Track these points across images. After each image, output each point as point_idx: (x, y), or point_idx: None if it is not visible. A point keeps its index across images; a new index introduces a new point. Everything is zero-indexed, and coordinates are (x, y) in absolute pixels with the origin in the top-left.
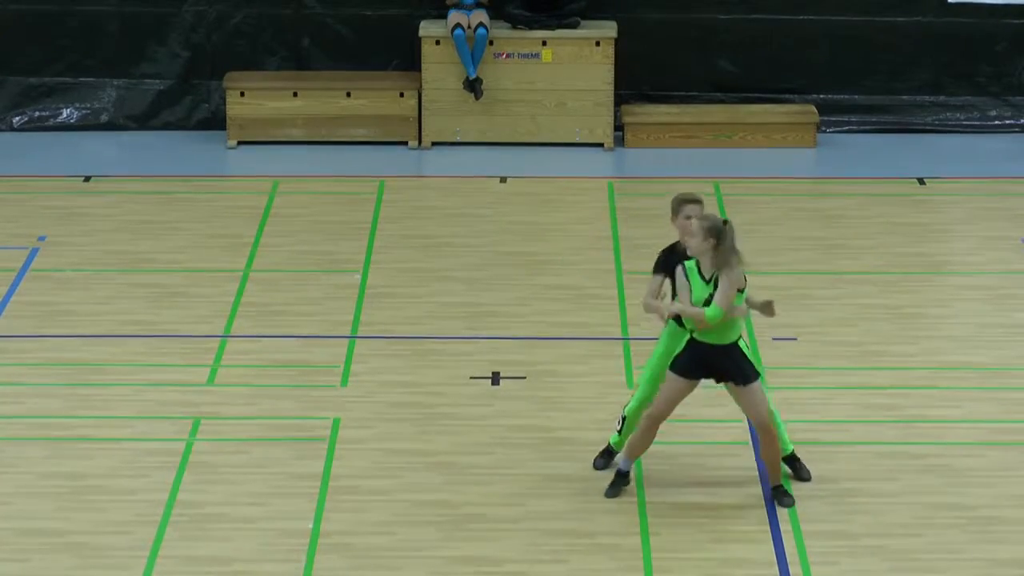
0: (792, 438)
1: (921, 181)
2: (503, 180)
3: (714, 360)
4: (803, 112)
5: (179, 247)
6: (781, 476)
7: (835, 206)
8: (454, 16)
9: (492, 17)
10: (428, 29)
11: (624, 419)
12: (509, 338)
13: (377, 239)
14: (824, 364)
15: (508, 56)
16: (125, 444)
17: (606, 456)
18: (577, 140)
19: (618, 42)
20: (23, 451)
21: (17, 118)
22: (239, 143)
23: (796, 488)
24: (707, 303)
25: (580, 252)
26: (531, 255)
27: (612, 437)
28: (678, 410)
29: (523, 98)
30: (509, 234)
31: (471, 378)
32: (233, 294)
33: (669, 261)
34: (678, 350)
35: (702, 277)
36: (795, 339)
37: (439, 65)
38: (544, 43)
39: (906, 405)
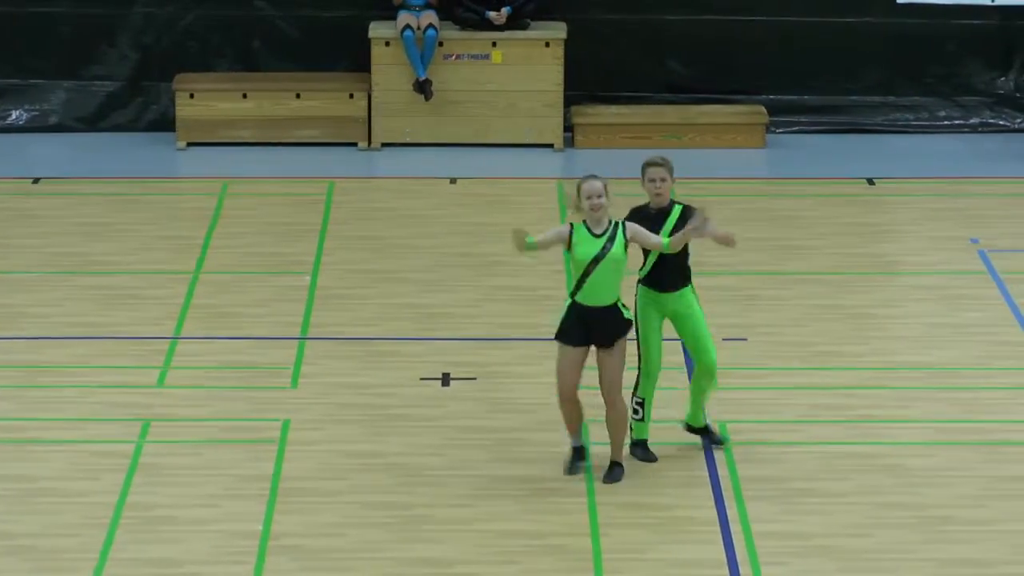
0: (742, 438)
1: (870, 181)
2: (453, 181)
3: (595, 322)
4: (753, 113)
5: (129, 249)
6: (622, 453)
7: (785, 207)
8: (403, 17)
9: (442, 18)
10: (378, 30)
11: (643, 402)
12: (460, 339)
13: (327, 240)
14: (775, 364)
15: (458, 57)
16: (75, 446)
17: (642, 448)
18: (527, 141)
19: (568, 43)
20: None
21: None
22: (188, 144)
23: (746, 489)
24: (599, 256)
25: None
26: (482, 256)
27: (635, 426)
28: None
29: (473, 99)
30: (460, 235)
31: (421, 379)
32: (183, 296)
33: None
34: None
35: (591, 234)
36: (745, 339)
37: (389, 66)
38: (494, 44)
39: (857, 405)
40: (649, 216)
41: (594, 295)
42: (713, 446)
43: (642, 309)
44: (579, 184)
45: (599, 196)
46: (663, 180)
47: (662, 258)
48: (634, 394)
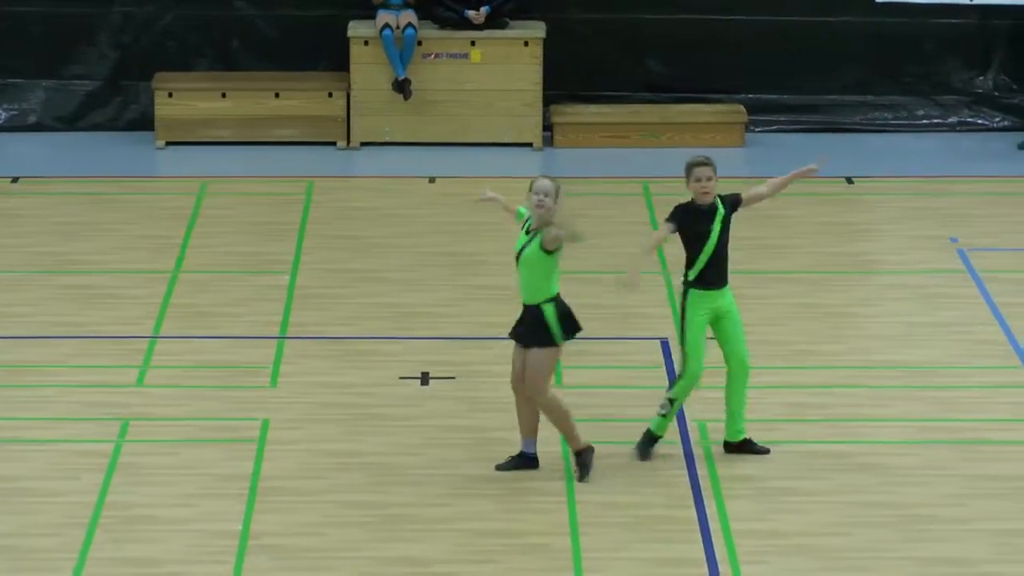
0: (722, 438)
1: (849, 180)
2: (432, 180)
3: (521, 316)
4: (732, 112)
5: (108, 248)
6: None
7: (763, 206)
8: (382, 16)
9: (420, 17)
10: (357, 29)
11: (672, 401)
12: (439, 338)
13: (306, 240)
14: (753, 363)
15: (437, 56)
16: (55, 446)
17: (647, 443)
18: (506, 140)
19: (547, 42)
20: None
21: None
22: (167, 144)
23: (726, 488)
24: (518, 254)
25: (510, 252)
26: (461, 255)
27: (654, 421)
28: (606, 410)
29: (452, 98)
30: (439, 234)
31: (400, 378)
32: (162, 295)
33: (677, 214)
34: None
35: (526, 230)
36: None
37: (368, 66)
38: (473, 43)
39: (836, 404)
40: (701, 211)
41: (521, 289)
42: (759, 455)
43: (692, 311)
44: (532, 181)
45: (546, 195)
46: (709, 179)
47: (713, 258)
48: (667, 390)
